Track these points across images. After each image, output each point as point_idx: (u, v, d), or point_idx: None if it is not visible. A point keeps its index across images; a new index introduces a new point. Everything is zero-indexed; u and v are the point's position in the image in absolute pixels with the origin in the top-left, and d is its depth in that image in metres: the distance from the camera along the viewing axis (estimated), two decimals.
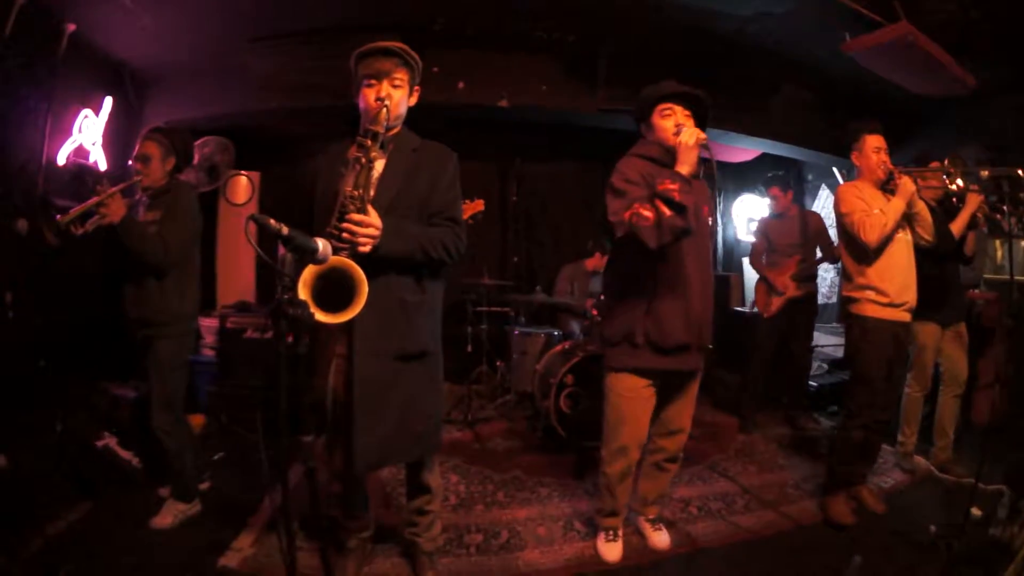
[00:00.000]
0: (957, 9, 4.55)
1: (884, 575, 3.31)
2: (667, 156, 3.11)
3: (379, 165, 2.58)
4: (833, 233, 5.25)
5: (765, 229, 6.03)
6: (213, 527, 3.59)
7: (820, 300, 8.27)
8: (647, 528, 3.68)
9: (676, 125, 3.08)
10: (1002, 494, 3.67)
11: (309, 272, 2.09)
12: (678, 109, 3.16)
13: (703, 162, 3.02)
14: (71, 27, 4.69)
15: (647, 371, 3.24)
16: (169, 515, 3.58)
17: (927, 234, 4.01)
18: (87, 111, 5.17)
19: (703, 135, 2.94)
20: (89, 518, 3.61)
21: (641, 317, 3.17)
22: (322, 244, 1.96)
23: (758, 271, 5.99)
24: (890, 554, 3.54)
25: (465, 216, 4.58)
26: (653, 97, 3.20)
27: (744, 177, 8.70)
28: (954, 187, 4.07)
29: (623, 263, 3.28)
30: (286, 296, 1.77)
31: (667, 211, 2.77)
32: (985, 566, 3.20)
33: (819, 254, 5.81)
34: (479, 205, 4.76)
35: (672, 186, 2.79)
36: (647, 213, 2.81)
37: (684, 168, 2.87)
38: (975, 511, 3.60)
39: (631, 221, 2.85)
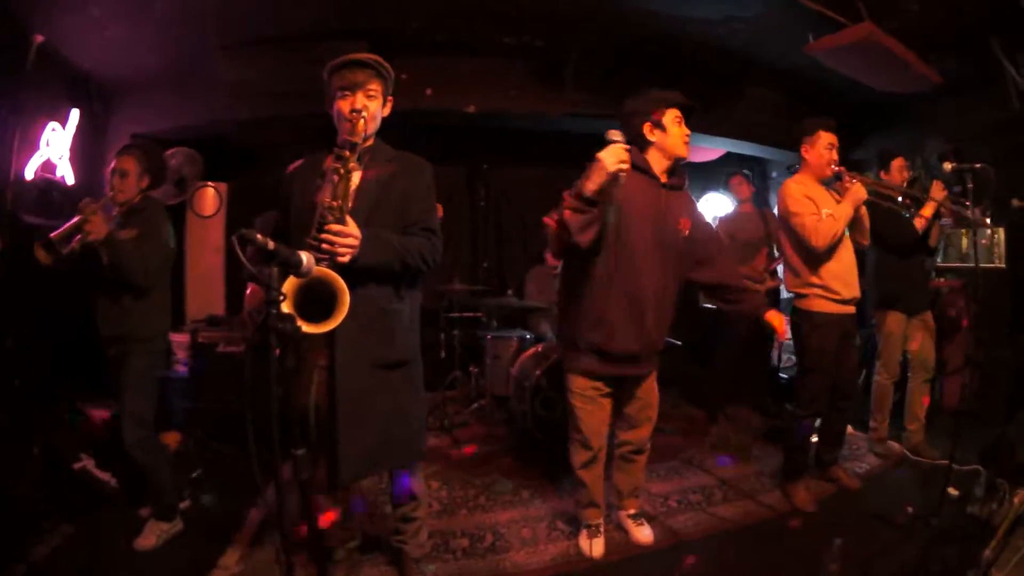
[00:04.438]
0: (921, 8, 4.64)
1: (865, 556, 3.39)
2: (644, 163, 3.20)
3: (356, 176, 2.57)
4: None
5: (728, 226, 6.10)
6: (197, 545, 3.56)
7: (784, 294, 8.43)
8: (629, 524, 3.73)
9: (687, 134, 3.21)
10: (978, 473, 3.78)
11: (291, 284, 2.10)
12: (682, 117, 3.24)
13: (678, 170, 3.09)
14: (39, 38, 4.59)
15: (593, 374, 3.32)
16: (152, 535, 3.53)
17: (864, 238, 4.14)
18: (54, 124, 5.05)
19: (624, 164, 2.78)
20: (72, 542, 3.55)
21: (586, 324, 3.23)
22: (306, 258, 1.96)
23: None
24: (870, 535, 3.65)
25: None
26: (669, 102, 3.24)
27: (709, 176, 8.75)
28: (899, 199, 4.18)
29: (575, 267, 3.29)
30: (273, 310, 1.77)
31: (557, 226, 2.89)
32: (965, 543, 3.28)
33: (776, 253, 5.92)
34: (438, 212, 4.78)
35: (566, 204, 2.86)
36: (551, 223, 2.96)
37: (590, 183, 2.79)
38: (951, 491, 3.70)
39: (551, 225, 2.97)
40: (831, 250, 3.91)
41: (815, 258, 3.97)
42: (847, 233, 4.04)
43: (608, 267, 3.14)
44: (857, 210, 3.96)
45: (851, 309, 4.06)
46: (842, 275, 3.97)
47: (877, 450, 4.98)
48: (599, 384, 3.36)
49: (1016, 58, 5.12)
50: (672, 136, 3.20)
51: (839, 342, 4.02)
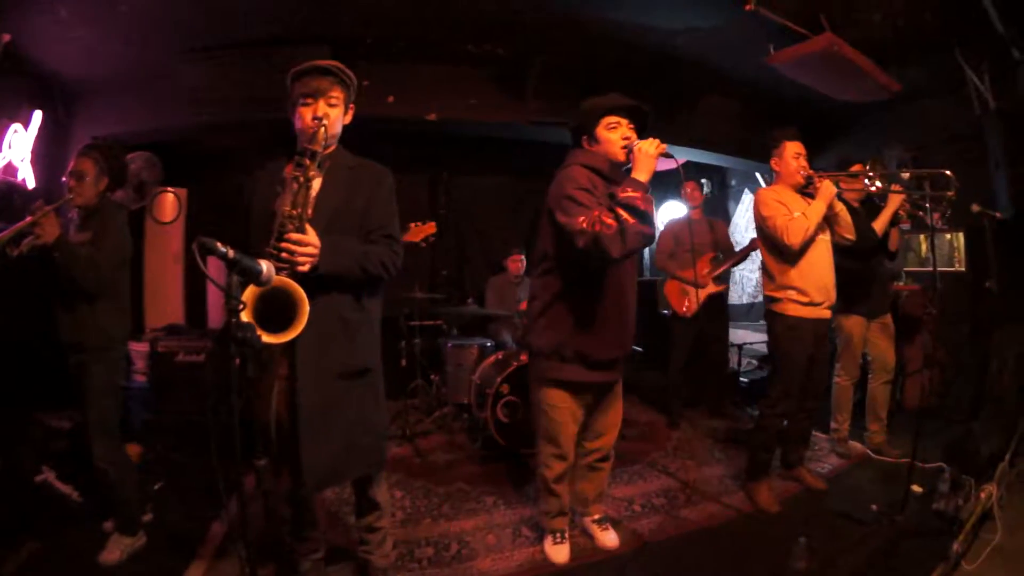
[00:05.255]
0: (882, 19, 4.71)
1: (831, 553, 3.41)
2: (611, 169, 3.18)
3: (316, 183, 2.56)
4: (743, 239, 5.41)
5: (675, 230, 6.16)
6: (161, 559, 3.49)
7: (746, 299, 8.55)
8: (594, 528, 3.73)
9: (624, 138, 3.14)
10: (942, 470, 3.85)
11: (250, 293, 2.08)
12: (624, 122, 3.20)
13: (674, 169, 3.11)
14: (6, 37, 4.53)
15: (576, 384, 3.29)
16: (116, 550, 3.45)
17: (848, 233, 4.19)
18: (16, 126, 4.99)
19: (663, 145, 2.99)
20: (38, 559, 3.46)
21: (572, 332, 3.20)
22: (266, 266, 1.94)
23: (668, 271, 6.11)
24: (835, 533, 3.68)
25: (418, 238, 4.57)
26: (599, 109, 3.23)
27: (669, 184, 8.85)
28: (874, 188, 4.23)
29: (559, 275, 3.25)
30: (234, 320, 1.75)
31: (630, 219, 2.79)
32: (931, 537, 3.37)
33: (721, 257, 6.00)
34: (431, 227, 4.75)
35: (635, 194, 2.84)
36: (609, 221, 2.80)
37: (642, 175, 2.93)
38: (915, 488, 3.77)
39: (594, 229, 2.82)
40: (804, 250, 3.97)
41: (788, 261, 4.03)
42: (825, 235, 4.11)
43: (600, 273, 3.14)
44: (832, 206, 4.04)
45: (826, 313, 4.11)
46: (815, 279, 4.02)
47: (839, 450, 5.06)
48: (581, 394, 3.35)
49: (978, 66, 5.22)
50: (604, 144, 3.22)
51: (812, 345, 4.07)
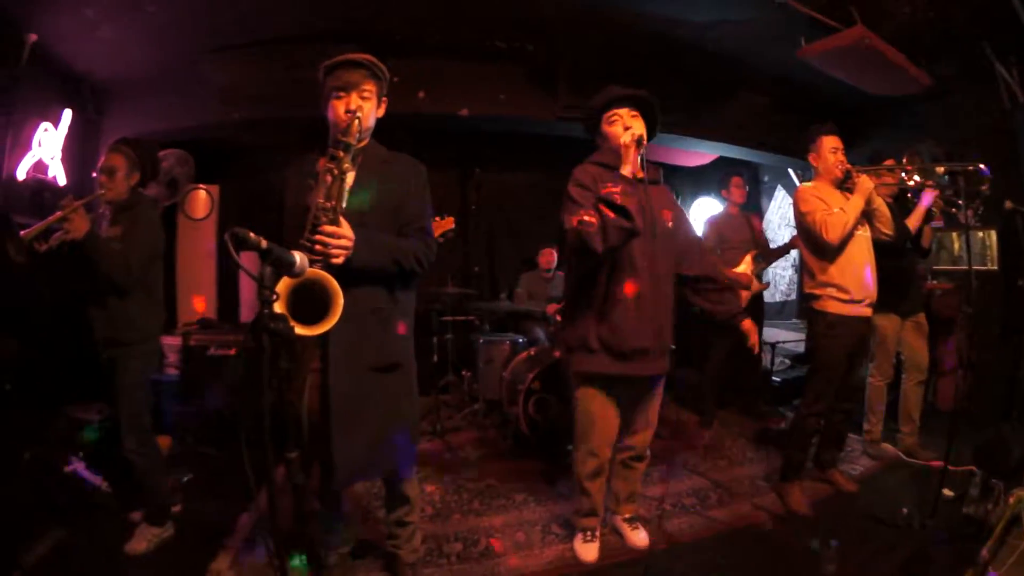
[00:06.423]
0: (913, 12, 4.66)
1: (861, 557, 3.36)
2: (620, 161, 3.17)
3: (350, 177, 2.56)
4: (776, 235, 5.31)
5: (718, 228, 6.09)
6: (188, 550, 3.52)
7: (779, 297, 8.43)
8: (624, 527, 3.71)
9: (625, 128, 3.14)
10: (973, 474, 3.77)
11: (284, 285, 2.08)
12: (623, 112, 3.20)
13: (645, 161, 3.09)
14: (33, 37, 4.58)
15: (606, 377, 3.28)
16: (143, 540, 3.49)
17: (887, 228, 4.14)
18: (46, 124, 5.06)
19: (637, 132, 3.03)
20: (64, 547, 3.48)
21: (595, 323, 3.21)
22: (299, 257, 1.93)
23: None
24: (866, 537, 3.63)
25: (435, 235, 4.57)
26: (597, 107, 3.26)
27: (701, 180, 8.79)
28: (911, 183, 4.17)
29: (577, 268, 3.31)
30: (266, 311, 1.75)
31: (611, 214, 2.81)
32: (961, 543, 3.29)
33: (761, 258, 5.93)
34: (449, 223, 4.74)
35: (614, 189, 2.86)
36: (590, 219, 2.85)
37: (625, 168, 2.97)
38: (946, 492, 3.70)
39: (578, 228, 2.87)
40: (844, 247, 3.94)
41: (828, 258, 4.00)
42: (864, 231, 4.08)
43: (610, 263, 3.13)
44: (870, 201, 4.01)
45: (866, 311, 4.06)
46: (855, 276, 3.98)
47: (871, 452, 4.99)
48: (614, 389, 3.34)
49: (1008, 60, 5.14)
50: (610, 139, 3.24)
51: (852, 343, 4.03)
